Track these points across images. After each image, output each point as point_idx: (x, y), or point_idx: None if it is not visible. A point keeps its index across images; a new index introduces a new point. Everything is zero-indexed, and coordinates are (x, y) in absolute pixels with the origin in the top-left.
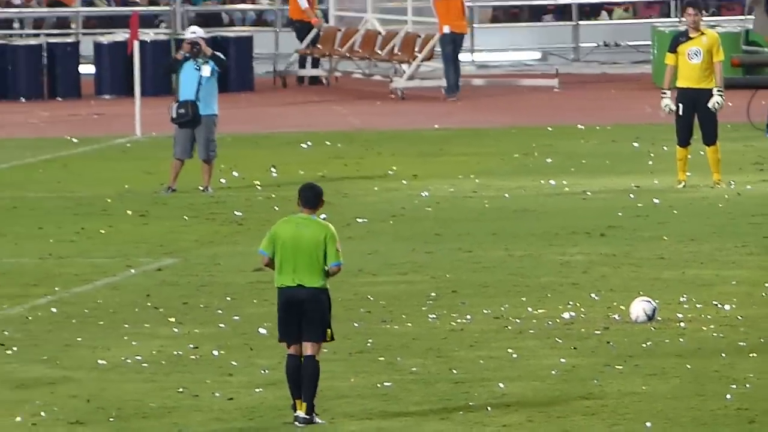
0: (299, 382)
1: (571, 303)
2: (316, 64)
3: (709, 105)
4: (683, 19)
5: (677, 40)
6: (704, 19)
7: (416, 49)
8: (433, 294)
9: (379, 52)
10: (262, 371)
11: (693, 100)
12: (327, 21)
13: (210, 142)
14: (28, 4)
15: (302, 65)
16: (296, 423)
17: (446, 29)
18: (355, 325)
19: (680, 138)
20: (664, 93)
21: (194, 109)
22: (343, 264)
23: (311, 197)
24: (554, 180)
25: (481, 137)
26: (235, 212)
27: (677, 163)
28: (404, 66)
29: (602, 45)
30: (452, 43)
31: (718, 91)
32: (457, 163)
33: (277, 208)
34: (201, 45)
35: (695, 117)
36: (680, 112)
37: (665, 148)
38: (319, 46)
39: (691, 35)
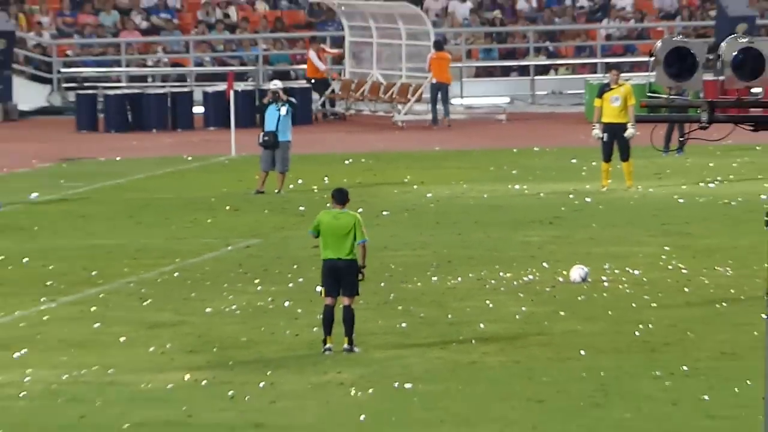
0: (331, 325)
1: (530, 269)
2: (332, 105)
3: (626, 135)
4: (608, 75)
5: (603, 89)
6: (621, 75)
7: (409, 94)
8: (434, 263)
9: (383, 96)
10: (318, 316)
11: (613, 131)
12: (344, 76)
13: (285, 159)
14: (157, 65)
15: (331, 105)
16: (343, 351)
17: (433, 80)
18: (381, 284)
19: (604, 156)
20: (594, 126)
21: (275, 137)
22: (368, 241)
23: (340, 197)
24: (518, 185)
25: (467, 156)
26: (300, 207)
27: (602, 173)
28: (400, 106)
29: (551, 93)
30: (439, 89)
31: (632, 125)
32: (451, 174)
33: (328, 205)
34: (280, 93)
35: (614, 142)
36: (604, 139)
37: (593, 163)
38: (339, 93)
39: (612, 86)
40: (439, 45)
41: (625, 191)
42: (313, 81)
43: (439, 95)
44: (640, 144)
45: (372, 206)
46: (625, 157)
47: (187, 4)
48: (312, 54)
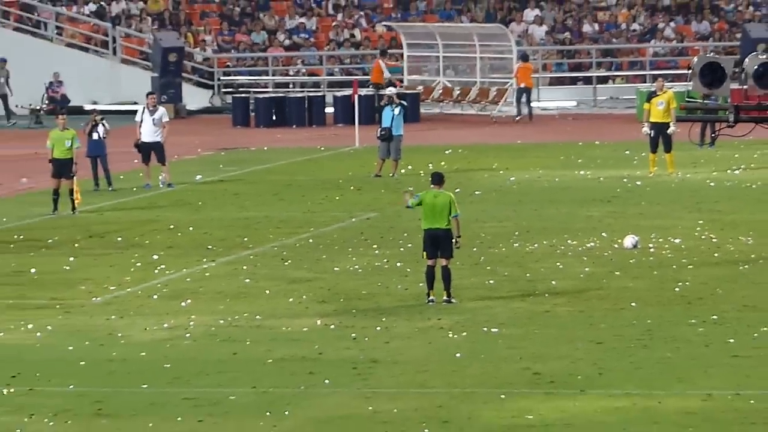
0: (432, 282)
1: (591, 238)
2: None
3: (669, 131)
4: (654, 84)
5: (651, 95)
6: (665, 84)
7: (490, 96)
8: (516, 233)
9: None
10: (422, 274)
11: (659, 128)
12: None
13: (398, 150)
14: (296, 75)
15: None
16: (443, 302)
17: (521, 85)
18: (473, 249)
19: (651, 148)
20: (644, 124)
21: (390, 132)
22: (461, 215)
23: (438, 179)
24: (582, 171)
25: (542, 148)
26: (409, 187)
27: (649, 162)
28: (490, 105)
29: (609, 98)
30: (524, 92)
31: (673, 124)
32: (529, 162)
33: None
34: (393, 97)
35: (659, 137)
36: (651, 135)
37: (643, 154)
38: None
39: (658, 93)
40: (525, 57)
41: (668, 176)
42: (378, 86)
43: (524, 97)
44: (680, 139)
45: (466, 187)
46: (668, 149)
47: (321, 26)
48: (381, 63)
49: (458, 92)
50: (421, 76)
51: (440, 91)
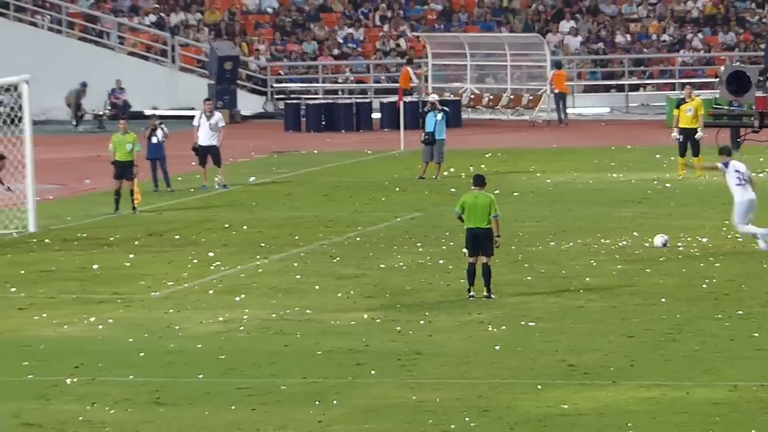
0: (473, 278)
1: (623, 237)
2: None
3: (696, 136)
4: (683, 92)
5: (680, 102)
6: (693, 92)
7: (524, 102)
8: (552, 232)
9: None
10: (464, 271)
11: (687, 133)
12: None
13: (440, 153)
14: (345, 82)
15: None
16: (483, 297)
17: (556, 90)
18: (512, 247)
19: (680, 152)
20: (673, 130)
21: (433, 136)
22: (500, 215)
23: (479, 180)
24: (615, 174)
25: (577, 151)
26: (451, 189)
27: (678, 165)
28: (520, 110)
29: (640, 105)
30: (561, 98)
31: (701, 129)
32: (565, 165)
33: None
34: (436, 103)
35: (688, 142)
36: (680, 139)
37: (672, 158)
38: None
39: (687, 100)
40: (559, 65)
41: (696, 179)
42: (406, 91)
43: (560, 103)
44: (708, 144)
45: (505, 189)
46: (696, 153)
47: (368, 37)
48: (409, 69)
49: (489, 99)
50: (449, 84)
51: (470, 98)
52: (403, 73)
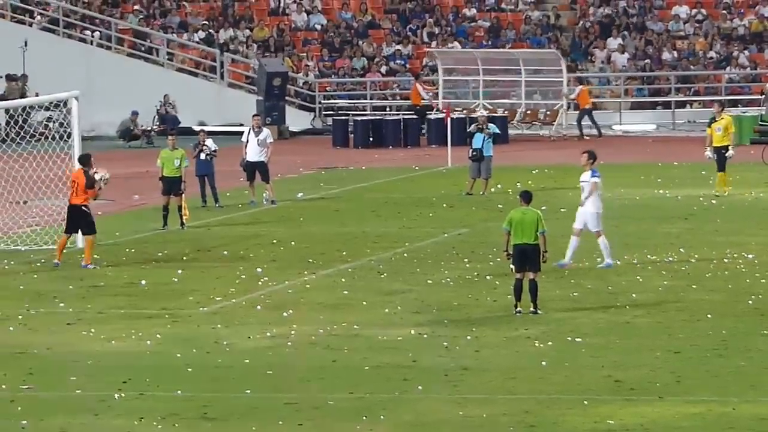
0: (520, 294)
1: (670, 253)
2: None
3: (727, 155)
4: (713, 109)
5: (711, 120)
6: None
7: (540, 116)
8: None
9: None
10: (510, 287)
11: (719, 151)
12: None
13: (488, 169)
14: (393, 98)
15: None
16: (530, 313)
17: (585, 106)
18: (555, 264)
19: (718, 169)
20: (706, 148)
21: (480, 153)
22: (548, 231)
23: (526, 197)
24: (661, 190)
25: (624, 168)
26: (498, 205)
27: (719, 182)
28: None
29: (687, 122)
30: (585, 113)
31: (732, 147)
32: (612, 181)
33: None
34: (484, 125)
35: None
36: (714, 158)
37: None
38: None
39: (717, 119)
40: (583, 81)
41: (742, 195)
42: (417, 107)
43: (585, 119)
44: (755, 160)
45: (552, 205)
46: (721, 168)
47: (416, 53)
48: (419, 86)
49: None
50: (459, 99)
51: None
52: (413, 89)
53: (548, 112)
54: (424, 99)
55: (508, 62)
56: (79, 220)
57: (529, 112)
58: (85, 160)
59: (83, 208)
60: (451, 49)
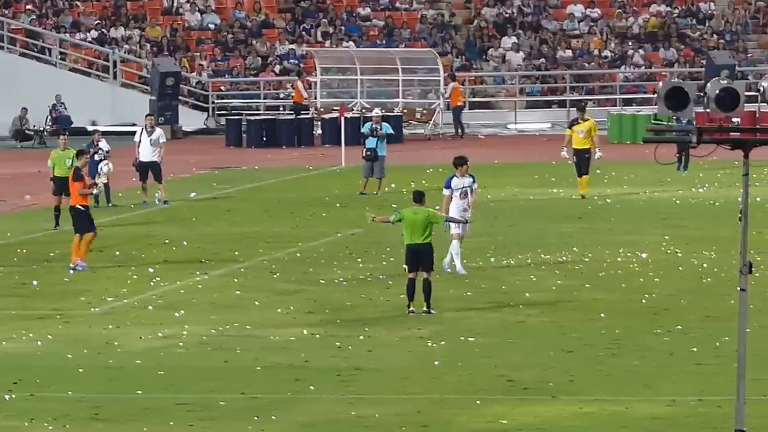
0: (413, 293)
1: (564, 252)
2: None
3: (596, 156)
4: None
5: (573, 122)
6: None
7: (417, 115)
8: (492, 247)
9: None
10: (405, 286)
11: (580, 154)
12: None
13: (382, 169)
14: (287, 98)
15: None
16: (423, 313)
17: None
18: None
19: (577, 173)
20: (563, 149)
21: (375, 152)
22: (446, 218)
23: (418, 196)
24: (556, 189)
25: (518, 167)
26: (392, 205)
27: (579, 185)
28: (411, 122)
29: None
30: (457, 110)
31: (598, 149)
32: (506, 180)
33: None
34: (377, 128)
35: (581, 162)
36: (574, 161)
37: (613, 173)
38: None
39: (579, 121)
40: (453, 77)
41: (637, 195)
42: (298, 106)
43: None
44: (647, 159)
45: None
46: (585, 171)
47: (309, 53)
48: (300, 84)
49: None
50: (336, 99)
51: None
52: (295, 88)
53: (424, 111)
54: (305, 98)
55: (387, 61)
56: (77, 219)
57: (405, 111)
58: (78, 155)
59: (80, 208)
60: (328, 48)
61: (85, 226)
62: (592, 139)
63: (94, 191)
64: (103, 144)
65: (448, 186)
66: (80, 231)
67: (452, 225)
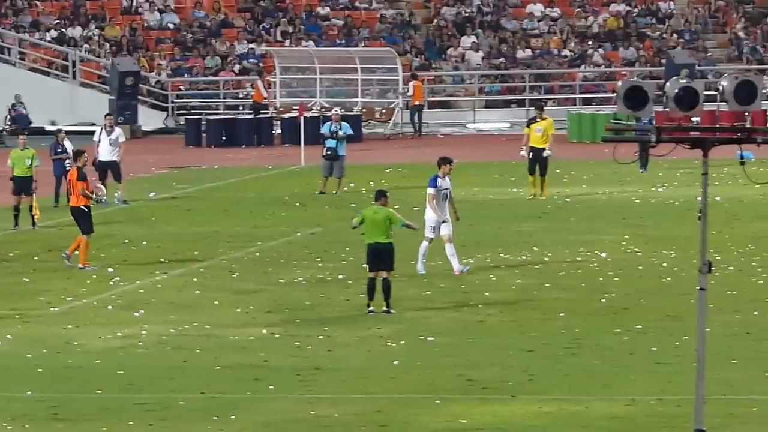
0: (373, 293)
1: (523, 252)
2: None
3: (544, 154)
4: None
5: (531, 121)
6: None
7: (376, 115)
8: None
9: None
10: (363, 286)
11: (536, 153)
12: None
13: (341, 168)
14: (246, 98)
15: None
16: (382, 312)
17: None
18: (411, 262)
19: (529, 170)
20: (521, 148)
21: (335, 152)
22: (403, 223)
23: (378, 196)
24: (515, 188)
25: (478, 167)
26: (352, 204)
27: (529, 184)
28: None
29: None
30: (417, 110)
31: (548, 148)
32: (466, 180)
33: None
34: (338, 131)
35: (537, 161)
36: (530, 158)
37: (572, 172)
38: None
39: (537, 120)
40: (415, 75)
41: (598, 195)
42: (258, 105)
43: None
44: (606, 159)
45: (406, 203)
46: (543, 173)
47: (269, 53)
48: (260, 83)
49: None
50: (296, 98)
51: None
52: (255, 87)
53: (384, 111)
54: (265, 97)
55: (346, 60)
56: (79, 219)
57: (365, 110)
58: (76, 156)
59: (83, 208)
60: (288, 48)
61: (89, 226)
62: (548, 138)
63: (96, 196)
64: (68, 144)
65: (433, 185)
66: (87, 231)
67: (443, 226)
